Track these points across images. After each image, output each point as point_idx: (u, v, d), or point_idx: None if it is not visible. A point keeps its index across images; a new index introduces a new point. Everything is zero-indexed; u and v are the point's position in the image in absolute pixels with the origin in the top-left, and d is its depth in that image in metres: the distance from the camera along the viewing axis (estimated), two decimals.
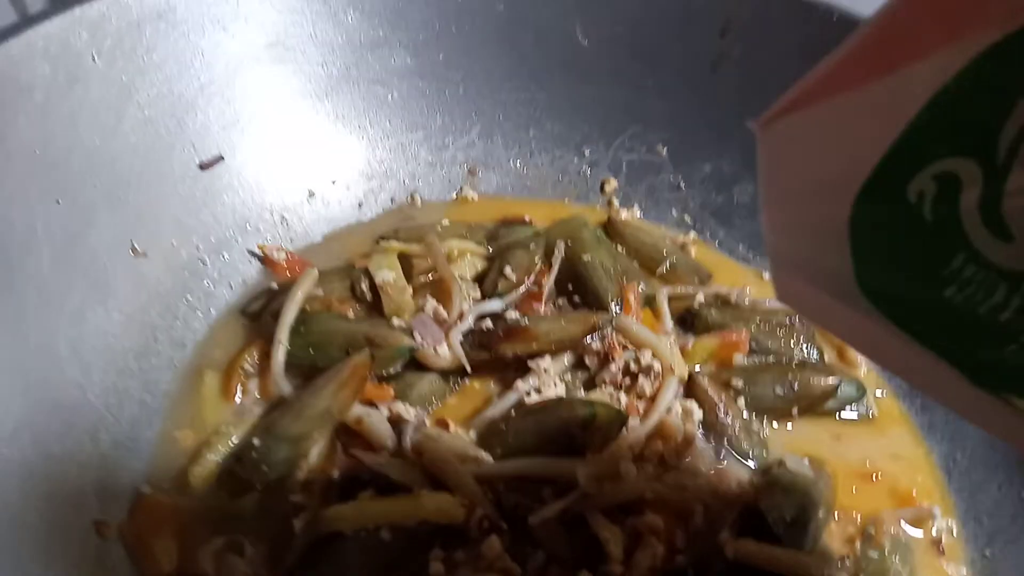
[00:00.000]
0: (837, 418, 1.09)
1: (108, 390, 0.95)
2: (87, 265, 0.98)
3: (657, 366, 1.04)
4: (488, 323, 1.08)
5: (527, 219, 1.30)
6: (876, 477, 1.03)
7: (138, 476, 0.92)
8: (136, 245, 1.04)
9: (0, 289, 0.87)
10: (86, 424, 0.91)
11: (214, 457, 0.94)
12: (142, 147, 1.06)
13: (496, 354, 1.04)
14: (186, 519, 0.89)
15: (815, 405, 1.07)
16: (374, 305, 1.13)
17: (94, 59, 0.99)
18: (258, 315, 1.10)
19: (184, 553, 0.86)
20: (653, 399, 1.02)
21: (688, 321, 1.16)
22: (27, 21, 0.95)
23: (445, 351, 1.04)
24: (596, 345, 1.06)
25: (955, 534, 0.98)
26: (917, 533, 0.98)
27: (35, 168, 0.93)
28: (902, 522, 0.97)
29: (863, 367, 1.15)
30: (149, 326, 1.03)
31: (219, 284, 1.13)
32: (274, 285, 1.14)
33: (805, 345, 1.14)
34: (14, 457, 0.82)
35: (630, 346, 1.07)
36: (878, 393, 1.13)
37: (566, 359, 1.07)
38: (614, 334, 1.07)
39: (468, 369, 1.04)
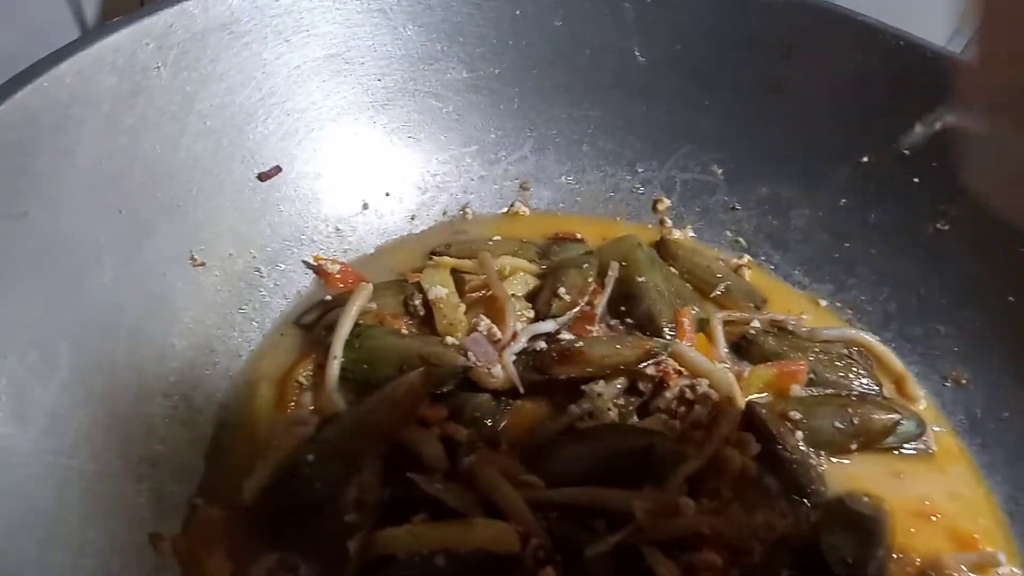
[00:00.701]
0: (895, 454, 1.06)
1: (165, 403, 0.95)
2: (146, 277, 0.99)
3: (713, 395, 1.03)
4: (541, 343, 1.07)
5: (579, 236, 1.29)
6: (935, 517, 1.00)
7: (192, 489, 0.92)
8: (195, 255, 1.04)
9: (63, 302, 0.87)
10: (142, 436, 0.91)
11: (267, 471, 0.94)
12: (203, 158, 1.06)
13: (550, 377, 1.03)
14: (239, 534, 0.89)
15: (875, 440, 1.04)
16: (426, 320, 1.12)
17: (159, 69, 1.00)
18: (312, 327, 1.10)
19: (237, 569, 0.86)
20: (709, 429, 1.00)
21: (743, 348, 1.14)
22: (91, 35, 0.96)
23: (498, 371, 1.03)
24: (651, 371, 1.05)
25: None
26: None
27: (99, 181, 0.93)
28: (963, 567, 0.94)
29: (922, 402, 1.13)
30: (205, 336, 1.03)
31: (274, 295, 1.13)
32: (328, 297, 1.15)
33: (864, 379, 1.11)
34: (75, 470, 0.83)
35: (686, 373, 1.06)
36: (935, 429, 1.10)
37: (619, 383, 1.06)
38: (669, 360, 1.05)
39: (521, 390, 1.03)
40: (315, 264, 1.17)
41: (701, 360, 1.06)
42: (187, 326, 1.02)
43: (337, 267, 1.17)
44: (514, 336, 1.07)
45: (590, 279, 1.16)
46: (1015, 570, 0.95)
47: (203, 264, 1.05)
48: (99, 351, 0.90)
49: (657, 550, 0.87)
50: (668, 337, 1.10)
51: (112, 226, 0.95)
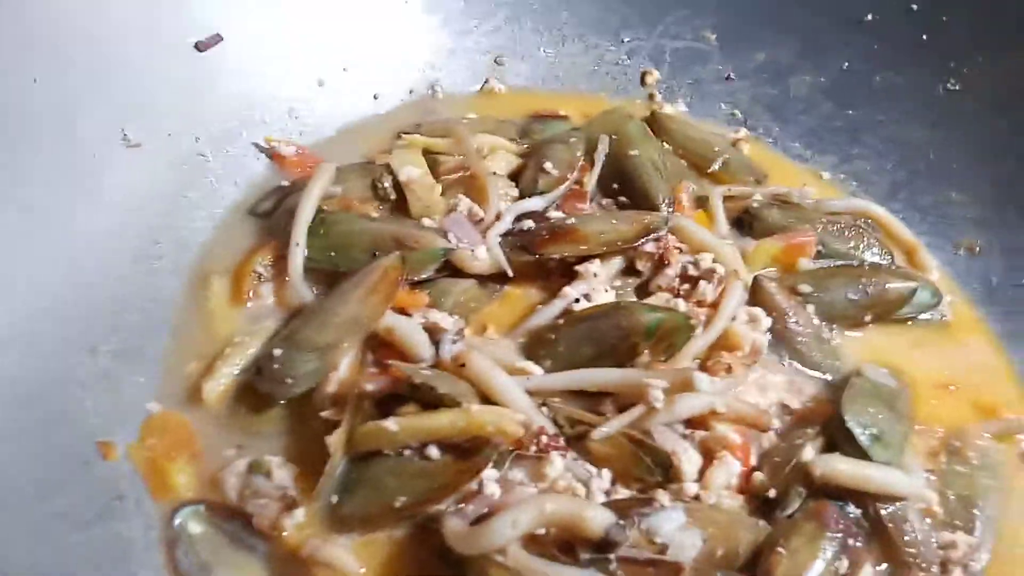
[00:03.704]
0: (910, 325, 0.99)
1: (106, 297, 0.83)
2: (74, 156, 0.86)
3: (719, 270, 0.94)
4: (529, 223, 0.96)
5: (562, 114, 1.18)
6: (955, 387, 0.94)
7: (145, 393, 0.81)
8: (128, 134, 0.91)
9: None
10: (84, 334, 0.80)
11: (230, 371, 0.83)
12: (132, 24, 0.92)
13: (540, 257, 0.93)
14: (203, 440, 0.79)
15: (890, 311, 0.97)
16: (398, 205, 1.01)
17: None
18: (269, 215, 0.98)
19: (203, 477, 0.77)
20: (715, 306, 0.92)
21: (745, 223, 1.05)
22: None
23: (483, 254, 0.93)
24: (650, 248, 0.95)
25: None
26: (1004, 447, 0.89)
27: (12, 43, 0.79)
28: (987, 435, 0.89)
29: (934, 272, 1.06)
30: (148, 227, 0.91)
31: (223, 181, 1.00)
32: (284, 183, 1.02)
33: (875, 248, 1.04)
34: (5, 373, 0.71)
35: (686, 249, 0.97)
36: (949, 299, 1.04)
37: (616, 263, 0.97)
38: (669, 236, 0.96)
39: (509, 274, 0.93)
40: (267, 147, 1.04)
41: (704, 234, 0.97)
42: (126, 214, 0.89)
43: (293, 149, 1.04)
44: (498, 216, 0.96)
45: (578, 154, 1.05)
46: None
47: (138, 145, 0.92)
48: (23, 239, 0.77)
49: (670, 430, 0.79)
50: (667, 212, 1.00)
51: (30, 96, 0.81)
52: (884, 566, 0.78)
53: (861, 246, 1.04)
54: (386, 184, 1.01)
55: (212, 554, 0.72)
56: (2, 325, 0.73)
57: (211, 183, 0.99)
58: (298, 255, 0.90)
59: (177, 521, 0.73)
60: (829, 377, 0.91)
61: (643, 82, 1.24)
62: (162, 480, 0.75)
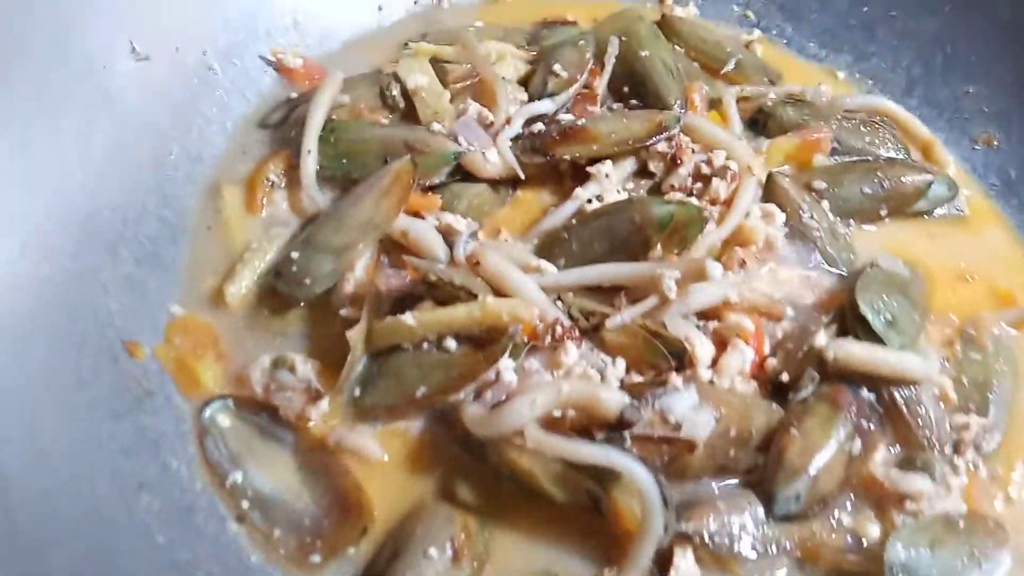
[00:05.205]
0: (926, 219, 0.99)
1: (123, 204, 0.84)
2: (85, 66, 0.85)
3: (732, 167, 0.93)
4: (539, 126, 0.96)
5: (570, 19, 1.15)
6: (972, 278, 0.94)
7: (168, 297, 0.83)
8: (136, 46, 0.90)
9: None
10: (103, 239, 0.81)
11: (250, 274, 0.85)
12: None
13: (552, 158, 0.93)
14: (227, 339, 0.81)
15: (906, 205, 0.96)
16: (407, 114, 1.00)
17: None
18: (280, 125, 0.98)
19: (229, 374, 0.79)
20: (729, 203, 0.92)
21: (760, 123, 1.04)
22: None
23: (494, 157, 0.92)
24: (662, 147, 0.95)
25: None
26: (1019, 334, 0.89)
27: None
28: (1003, 323, 0.89)
29: (951, 167, 1.04)
30: (162, 137, 0.91)
31: (233, 95, 1.00)
32: (292, 95, 1.02)
33: (891, 144, 1.02)
34: (27, 273, 0.73)
35: (699, 148, 0.96)
36: (966, 192, 1.02)
37: (628, 164, 0.96)
38: (682, 135, 0.95)
39: (521, 176, 0.93)
40: (274, 59, 1.03)
41: (717, 131, 0.96)
42: (140, 125, 0.89)
43: (299, 61, 1.03)
44: (508, 119, 0.96)
45: (588, 56, 1.04)
46: None
47: (147, 58, 0.91)
48: (41, 147, 0.78)
49: (684, 320, 0.80)
50: (679, 112, 0.99)
51: (40, 8, 0.80)
52: (897, 448, 0.80)
53: (877, 141, 1.02)
54: (394, 92, 1.00)
55: (242, 445, 0.74)
56: (24, 231, 0.74)
57: (221, 96, 0.98)
58: (310, 162, 0.91)
59: (207, 414, 0.75)
60: (844, 271, 0.91)
61: None
62: (190, 377, 0.78)
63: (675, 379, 0.74)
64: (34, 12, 0.81)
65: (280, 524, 0.71)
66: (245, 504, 0.72)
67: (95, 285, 0.77)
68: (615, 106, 1.05)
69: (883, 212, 0.96)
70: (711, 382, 0.77)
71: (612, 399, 0.69)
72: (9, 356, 0.68)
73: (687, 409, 0.71)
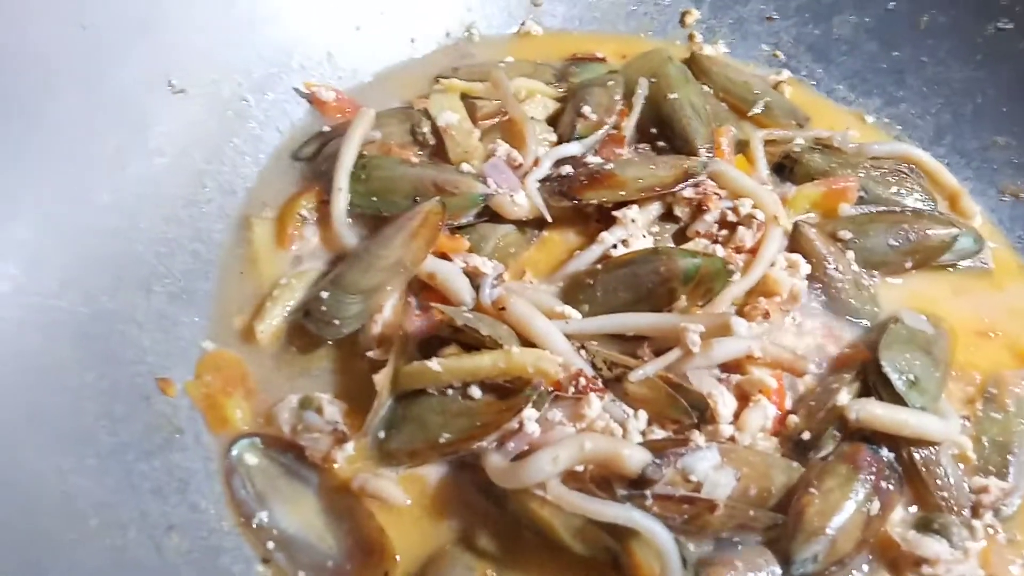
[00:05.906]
0: (951, 271, 0.99)
1: (157, 240, 0.86)
2: (120, 103, 0.87)
3: (758, 216, 0.94)
4: (567, 168, 0.97)
5: (599, 56, 1.16)
6: (995, 334, 0.94)
7: (200, 333, 0.84)
8: (173, 81, 0.92)
9: (24, 130, 0.76)
10: (137, 277, 0.83)
11: (280, 312, 0.86)
12: None
13: (579, 203, 0.94)
14: (256, 376, 0.82)
15: (931, 258, 0.96)
16: (437, 150, 1.01)
17: None
18: (312, 159, 1.00)
19: (258, 412, 0.80)
20: (754, 252, 0.92)
21: (786, 168, 1.04)
22: None
23: (522, 199, 0.93)
24: (688, 193, 0.95)
25: None
26: None
27: None
28: None
29: (978, 218, 1.04)
30: (195, 172, 0.93)
31: (266, 127, 1.01)
32: (325, 128, 1.03)
33: (918, 194, 1.02)
34: (65, 313, 0.74)
35: (725, 195, 0.96)
36: (991, 245, 1.02)
37: (654, 209, 0.97)
38: (708, 181, 0.96)
39: (548, 219, 0.94)
40: (308, 92, 1.05)
41: (744, 179, 0.97)
42: (173, 160, 0.91)
43: (332, 95, 1.05)
44: (536, 161, 0.97)
45: (616, 97, 1.04)
46: None
47: (183, 91, 0.93)
48: (74, 186, 0.80)
49: (707, 374, 0.81)
50: (708, 158, 1.00)
51: (77, 44, 0.82)
52: (915, 508, 0.80)
53: (903, 191, 1.02)
54: (425, 130, 1.01)
55: (267, 484, 0.76)
56: (60, 267, 0.76)
57: (254, 129, 1.00)
58: (341, 200, 0.92)
59: (234, 452, 0.77)
60: (867, 323, 0.91)
61: (683, 22, 1.21)
62: (219, 415, 0.79)
63: (697, 438, 0.74)
64: (71, 47, 0.83)
65: (304, 566, 0.73)
66: (271, 544, 0.73)
67: (130, 323, 0.79)
68: (642, 147, 1.06)
69: (908, 264, 0.96)
70: (732, 438, 0.78)
71: (634, 456, 0.70)
72: (46, 394, 0.69)
73: (709, 469, 0.72)
